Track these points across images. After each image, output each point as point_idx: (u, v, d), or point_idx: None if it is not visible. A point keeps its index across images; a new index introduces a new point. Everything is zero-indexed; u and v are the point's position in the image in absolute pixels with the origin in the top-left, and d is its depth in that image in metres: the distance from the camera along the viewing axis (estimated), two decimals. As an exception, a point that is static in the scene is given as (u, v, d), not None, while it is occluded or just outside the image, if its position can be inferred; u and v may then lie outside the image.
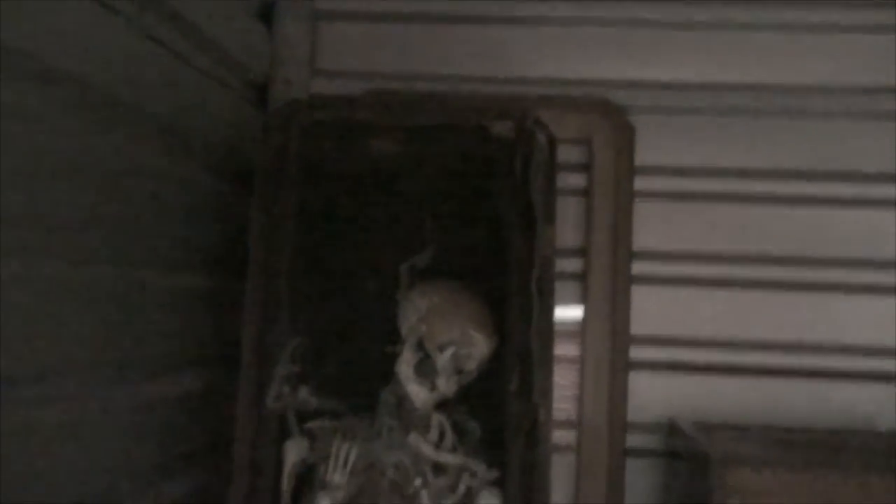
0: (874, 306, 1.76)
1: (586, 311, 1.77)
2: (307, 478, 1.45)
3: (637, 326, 1.77)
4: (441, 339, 1.44)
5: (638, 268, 1.79)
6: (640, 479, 1.74)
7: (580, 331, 1.77)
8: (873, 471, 1.35)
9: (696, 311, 1.79)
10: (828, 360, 1.76)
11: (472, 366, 1.45)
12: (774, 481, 1.33)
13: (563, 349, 1.72)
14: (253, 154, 1.53)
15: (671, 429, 1.69)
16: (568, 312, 1.76)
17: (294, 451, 1.43)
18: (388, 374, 1.45)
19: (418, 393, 1.43)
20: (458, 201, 1.59)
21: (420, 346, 1.44)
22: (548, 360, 1.42)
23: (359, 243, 1.61)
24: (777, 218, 1.79)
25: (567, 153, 1.71)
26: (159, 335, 1.41)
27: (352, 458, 1.40)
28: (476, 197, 1.55)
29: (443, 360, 1.43)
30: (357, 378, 1.51)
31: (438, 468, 1.41)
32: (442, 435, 1.44)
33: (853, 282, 1.77)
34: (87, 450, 1.20)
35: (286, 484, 1.42)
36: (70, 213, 1.14)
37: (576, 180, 1.80)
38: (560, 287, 1.53)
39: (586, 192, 1.80)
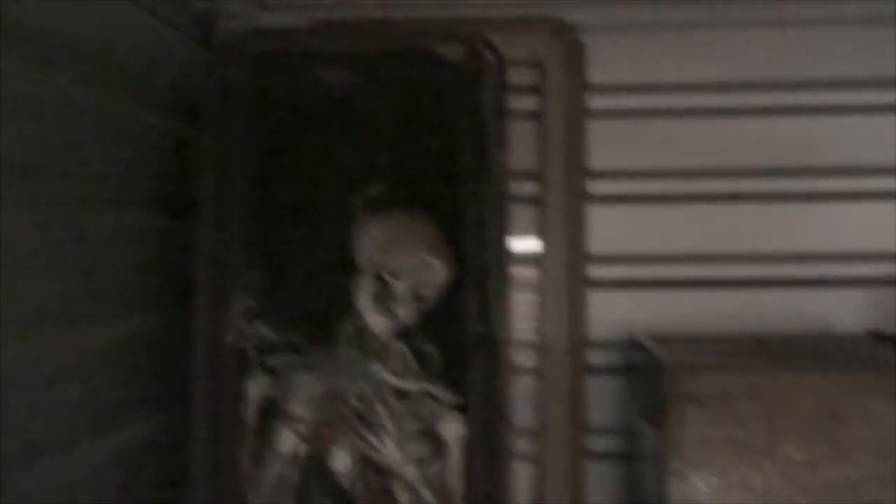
0: (826, 212, 1.77)
1: (543, 233, 1.77)
2: (270, 412, 1.46)
3: (596, 245, 1.78)
4: (398, 267, 1.44)
5: (594, 187, 1.78)
6: (603, 396, 1.77)
7: (537, 253, 1.77)
8: (827, 371, 1.38)
9: (655, 227, 1.79)
10: (782, 268, 1.77)
11: (430, 293, 1.46)
12: (730, 387, 1.35)
13: (521, 272, 1.71)
14: (200, 91, 1.50)
15: (630, 343, 1.71)
16: (524, 236, 1.76)
17: (255, 388, 1.44)
18: (346, 305, 1.46)
19: (378, 322, 1.44)
20: (410, 129, 1.58)
21: (378, 275, 1.44)
22: (503, 280, 1.44)
23: (312, 176, 1.59)
24: (734, 129, 1.78)
25: (518, 75, 1.70)
26: (110, 276, 1.39)
27: (313, 390, 1.41)
28: (428, 123, 1.54)
29: (401, 288, 1.44)
30: (315, 310, 1.51)
31: (401, 395, 1.43)
32: (403, 362, 1.45)
33: (805, 190, 1.77)
34: (38, 394, 1.19)
35: (250, 420, 1.44)
36: (9, 155, 1.12)
37: (528, 103, 1.78)
38: (516, 211, 1.54)
39: (538, 115, 1.78)
